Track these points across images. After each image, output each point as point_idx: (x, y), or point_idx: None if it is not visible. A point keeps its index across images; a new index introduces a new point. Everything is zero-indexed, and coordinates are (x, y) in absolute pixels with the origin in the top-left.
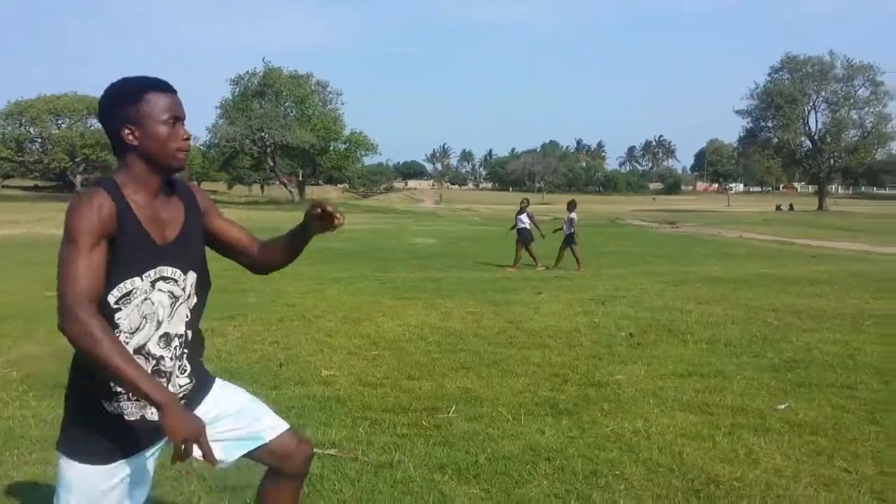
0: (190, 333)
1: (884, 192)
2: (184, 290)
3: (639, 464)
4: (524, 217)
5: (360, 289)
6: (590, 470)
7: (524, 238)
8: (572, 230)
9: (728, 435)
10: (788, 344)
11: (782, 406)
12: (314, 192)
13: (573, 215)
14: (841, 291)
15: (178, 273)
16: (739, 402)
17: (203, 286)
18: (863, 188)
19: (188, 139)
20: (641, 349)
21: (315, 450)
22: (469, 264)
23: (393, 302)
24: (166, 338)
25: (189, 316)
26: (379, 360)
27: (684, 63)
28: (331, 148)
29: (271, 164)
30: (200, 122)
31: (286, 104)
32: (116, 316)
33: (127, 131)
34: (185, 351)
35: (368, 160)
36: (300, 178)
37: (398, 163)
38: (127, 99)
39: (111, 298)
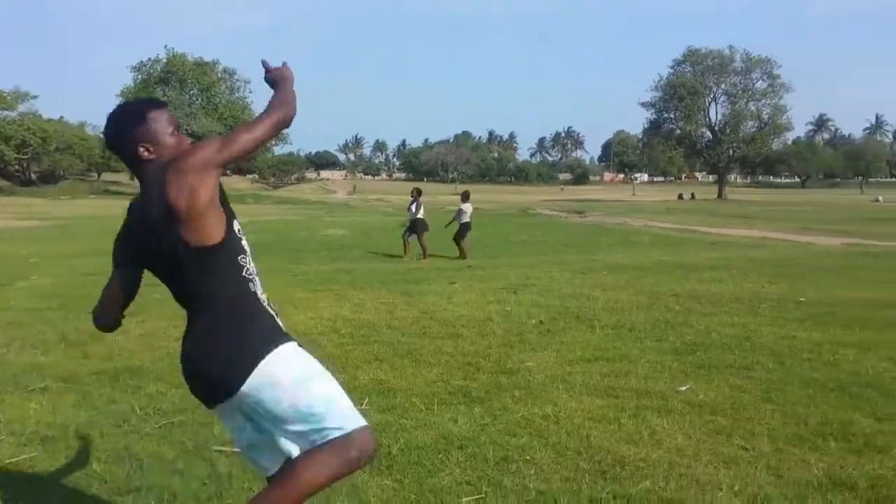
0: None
1: (779, 180)
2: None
3: (548, 448)
4: (414, 207)
5: (270, 281)
6: (501, 456)
7: (418, 228)
8: (467, 220)
9: (633, 417)
10: (689, 328)
11: (683, 388)
12: (223, 182)
13: (465, 206)
14: (738, 276)
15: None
16: (643, 385)
17: None
18: (760, 177)
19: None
20: (551, 336)
21: (223, 448)
22: (382, 255)
23: (305, 294)
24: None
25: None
26: None
27: (593, 55)
28: None
29: None
30: (101, 110)
31: (191, 92)
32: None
33: (142, 149)
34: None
35: (279, 150)
36: None
37: (310, 153)
38: (135, 121)
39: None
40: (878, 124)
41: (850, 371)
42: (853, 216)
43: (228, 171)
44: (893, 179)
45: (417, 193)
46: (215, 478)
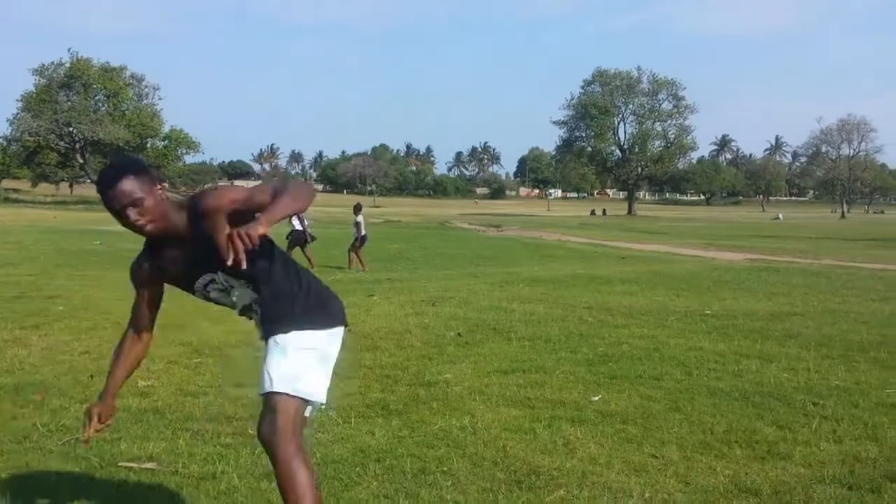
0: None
1: (685, 198)
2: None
3: (465, 459)
4: (296, 220)
5: (181, 293)
6: (418, 468)
7: (297, 240)
8: (363, 233)
9: (548, 427)
10: (601, 339)
11: (596, 398)
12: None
13: (359, 219)
14: (648, 289)
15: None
16: (558, 396)
17: None
18: (667, 194)
19: (136, 220)
20: (469, 348)
21: (132, 464)
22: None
23: (218, 307)
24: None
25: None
26: (202, 367)
27: (507, 72)
28: (148, 145)
29: (81, 161)
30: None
31: (97, 97)
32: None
33: None
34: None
35: (190, 159)
36: None
37: (223, 162)
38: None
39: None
40: (778, 145)
41: (753, 381)
42: (755, 233)
43: None
44: (792, 198)
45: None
46: (123, 495)
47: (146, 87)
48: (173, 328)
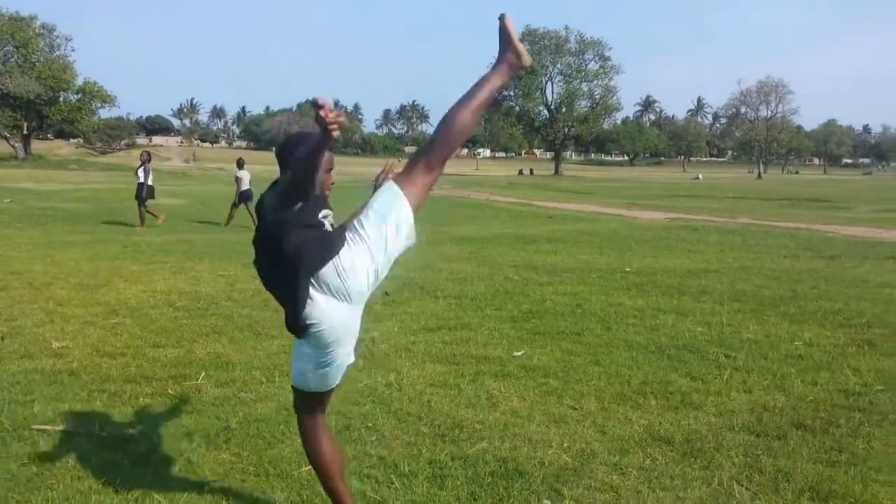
0: None
1: (610, 158)
2: None
3: (390, 415)
4: (141, 172)
5: (97, 253)
6: (343, 424)
7: (140, 194)
8: (245, 188)
9: (472, 382)
10: (526, 297)
11: (519, 353)
12: (42, 147)
13: (240, 173)
14: (572, 248)
15: None
16: (483, 352)
17: None
18: (592, 155)
19: None
20: (396, 306)
21: (45, 427)
22: (222, 226)
23: (136, 266)
24: None
25: None
26: (119, 328)
27: (435, 28)
28: (61, 99)
29: None
30: None
31: (5, 48)
32: None
33: None
34: None
35: (105, 113)
36: (25, 132)
37: (141, 117)
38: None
39: None
40: (700, 106)
41: (668, 335)
42: (676, 193)
43: (50, 136)
44: (713, 158)
45: (146, 158)
46: (35, 457)
47: (58, 37)
48: (89, 288)
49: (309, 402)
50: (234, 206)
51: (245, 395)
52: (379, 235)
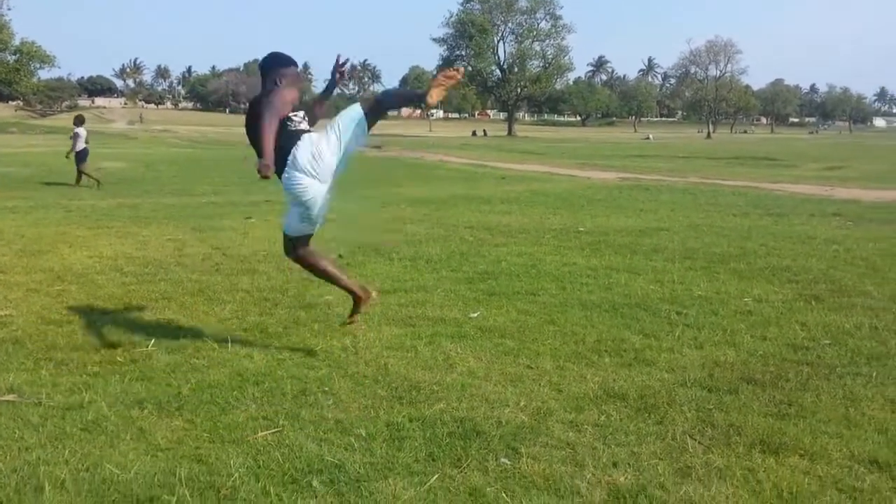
0: None
1: (562, 119)
2: None
3: (346, 378)
4: (82, 132)
5: (40, 218)
6: (299, 389)
7: (83, 159)
8: (82, 147)
9: (429, 344)
10: (481, 258)
11: (475, 314)
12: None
13: (79, 130)
14: (526, 208)
15: None
16: (439, 314)
17: None
18: (545, 115)
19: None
20: (350, 269)
21: None
22: (169, 189)
23: (81, 232)
24: None
25: None
26: (65, 295)
27: None
28: None
29: None
30: None
31: None
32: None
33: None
34: None
35: (45, 74)
36: None
37: (82, 77)
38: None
39: None
40: (651, 67)
41: (622, 293)
42: (627, 153)
43: None
44: (663, 119)
45: (82, 121)
46: None
47: None
48: (32, 255)
49: (300, 242)
50: (78, 166)
51: (197, 361)
52: (342, 133)
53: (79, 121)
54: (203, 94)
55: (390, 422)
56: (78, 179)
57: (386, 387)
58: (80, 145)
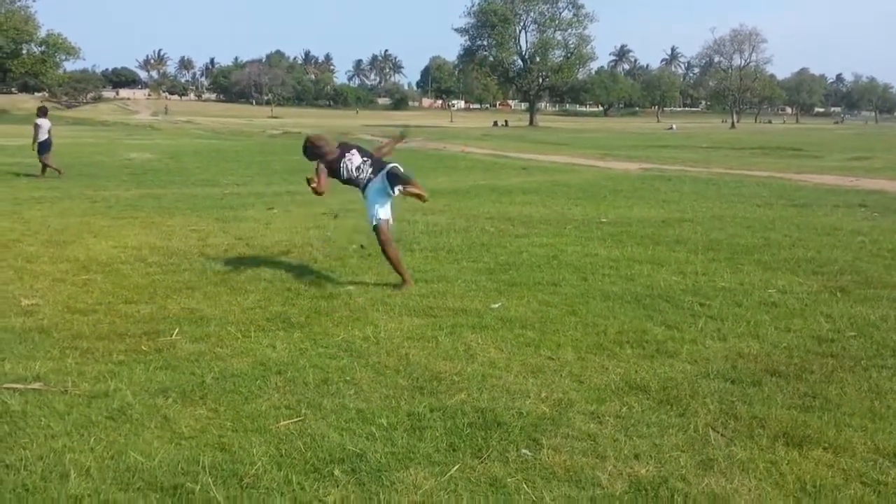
0: None
1: (584, 109)
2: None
3: (368, 368)
4: (45, 124)
5: (66, 209)
6: (321, 378)
7: (46, 149)
8: (44, 137)
9: (449, 334)
10: (502, 249)
11: (496, 305)
12: (6, 101)
13: (40, 121)
14: (547, 199)
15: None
16: (460, 304)
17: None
18: (567, 105)
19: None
20: (372, 260)
21: (16, 385)
22: (193, 180)
23: (106, 222)
24: None
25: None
26: (90, 284)
27: None
28: (23, 51)
29: None
30: None
31: None
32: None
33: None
34: None
35: (70, 66)
36: None
37: (107, 69)
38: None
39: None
40: (674, 56)
41: (644, 284)
42: (649, 143)
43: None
44: (686, 108)
45: (45, 111)
46: (8, 416)
47: None
48: (58, 245)
49: (384, 230)
50: (41, 157)
51: (220, 350)
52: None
53: (42, 112)
54: (226, 85)
55: (411, 412)
56: (43, 170)
57: (407, 377)
58: (43, 136)
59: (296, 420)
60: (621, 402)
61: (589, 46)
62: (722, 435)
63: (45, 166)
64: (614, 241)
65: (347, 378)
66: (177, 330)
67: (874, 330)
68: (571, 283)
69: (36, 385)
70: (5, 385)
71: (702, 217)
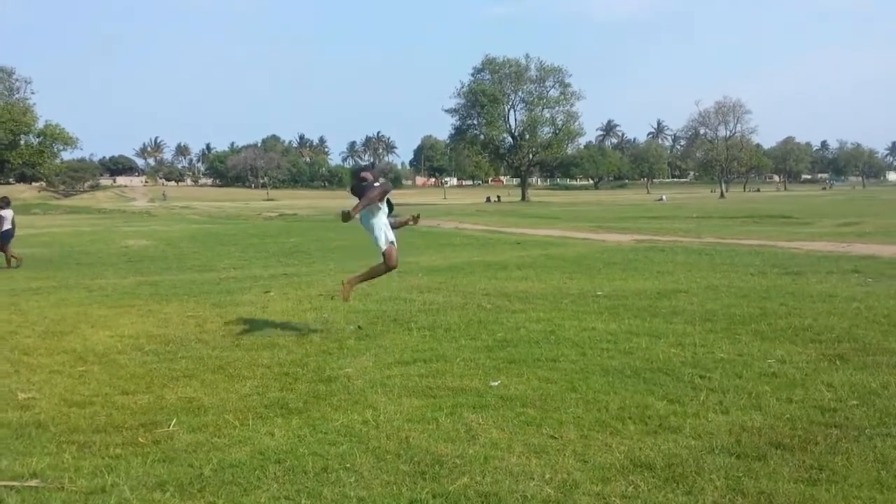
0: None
1: (575, 182)
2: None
3: (368, 453)
4: (8, 215)
5: (62, 299)
6: (320, 466)
7: (7, 239)
8: (9, 227)
9: (450, 415)
10: (500, 325)
11: (496, 383)
12: (4, 191)
13: (5, 213)
14: (542, 273)
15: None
16: (459, 383)
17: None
18: (557, 180)
19: None
20: (370, 340)
21: (13, 483)
22: (189, 265)
23: (103, 311)
24: None
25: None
26: (87, 376)
27: (397, 60)
28: (21, 142)
29: None
30: None
31: None
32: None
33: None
34: None
35: (68, 155)
36: None
37: (104, 157)
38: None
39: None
40: (660, 129)
41: (643, 358)
42: (641, 214)
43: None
44: (675, 179)
45: (7, 202)
46: None
47: (17, 80)
48: (55, 336)
49: (393, 255)
50: (4, 244)
51: (218, 440)
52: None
53: (4, 202)
54: (222, 169)
55: (414, 499)
56: (7, 262)
57: (408, 461)
58: (6, 226)
59: None
60: (627, 482)
61: (577, 122)
62: None
63: (9, 258)
64: (611, 315)
65: (347, 465)
66: (174, 420)
67: (876, 398)
68: (570, 359)
69: (33, 482)
70: (2, 483)
71: (696, 288)
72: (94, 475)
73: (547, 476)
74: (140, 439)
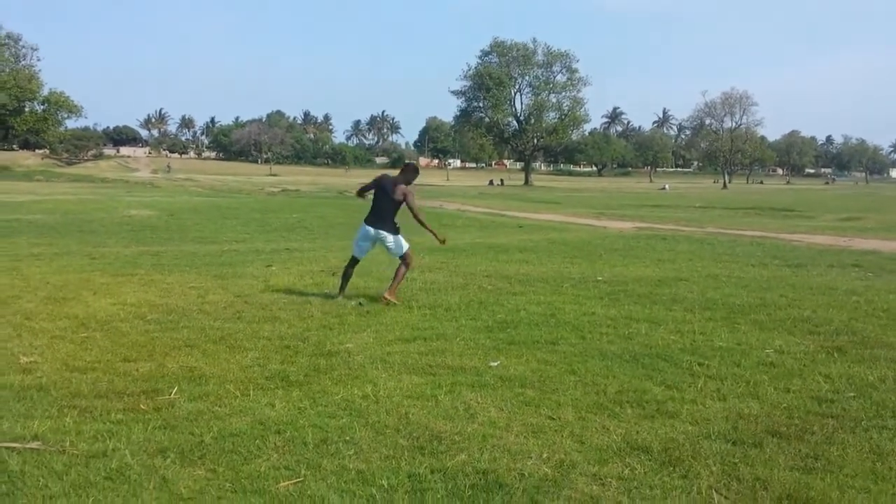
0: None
1: (578, 169)
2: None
3: (367, 427)
4: None
5: (64, 265)
6: (320, 438)
7: None
8: None
9: (449, 393)
10: (500, 307)
11: (495, 363)
12: (7, 158)
13: None
14: (544, 257)
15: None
16: (459, 362)
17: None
18: (561, 165)
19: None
20: (370, 317)
21: (14, 444)
22: (192, 237)
23: (105, 279)
24: None
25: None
26: (89, 342)
27: (406, 40)
28: (26, 109)
29: None
30: None
31: None
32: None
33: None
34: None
35: (72, 123)
36: None
37: (108, 127)
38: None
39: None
40: (665, 118)
41: (642, 343)
42: (643, 202)
43: (15, 147)
44: (678, 169)
45: None
46: (6, 476)
47: (23, 47)
48: (57, 301)
49: (410, 255)
50: None
51: (219, 409)
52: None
53: None
54: (226, 143)
55: (412, 473)
56: None
57: (407, 437)
58: None
59: (296, 481)
60: (623, 464)
61: (582, 109)
62: (725, 497)
63: None
64: (611, 300)
65: (347, 438)
66: (175, 389)
67: (873, 390)
68: (570, 342)
69: (34, 444)
70: (3, 444)
71: (697, 276)
72: (95, 439)
73: (544, 455)
74: (141, 406)
